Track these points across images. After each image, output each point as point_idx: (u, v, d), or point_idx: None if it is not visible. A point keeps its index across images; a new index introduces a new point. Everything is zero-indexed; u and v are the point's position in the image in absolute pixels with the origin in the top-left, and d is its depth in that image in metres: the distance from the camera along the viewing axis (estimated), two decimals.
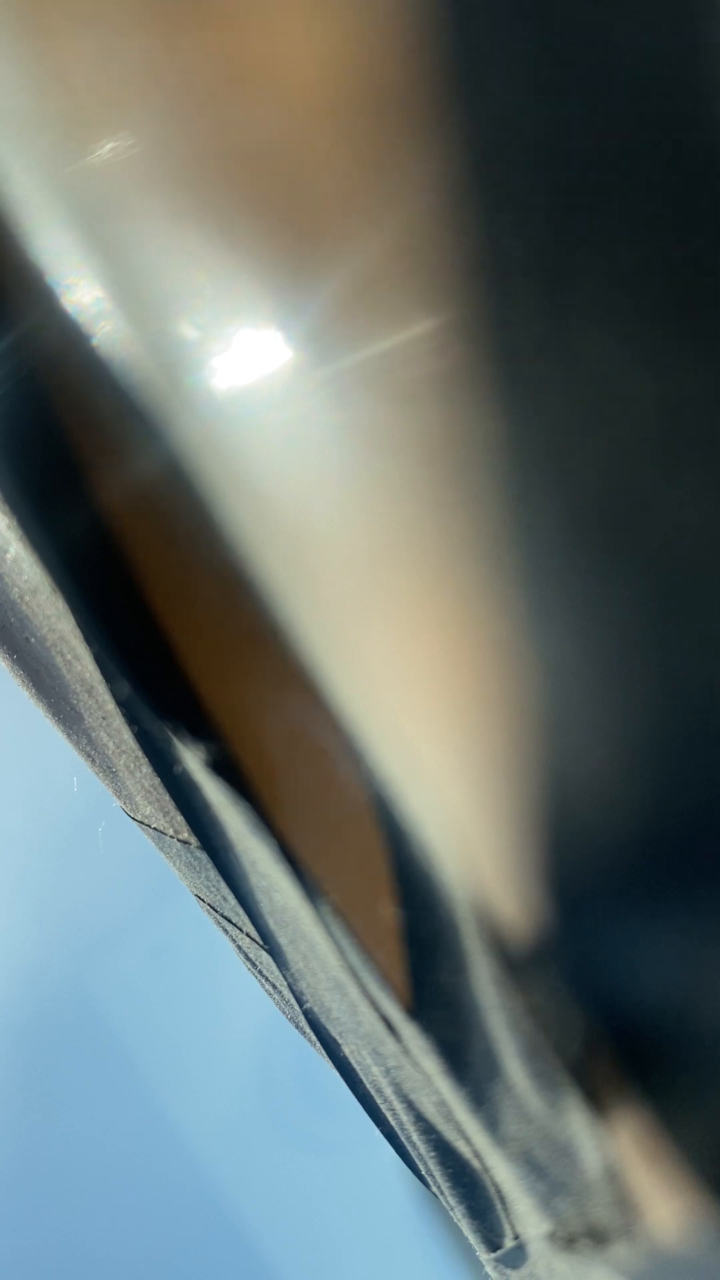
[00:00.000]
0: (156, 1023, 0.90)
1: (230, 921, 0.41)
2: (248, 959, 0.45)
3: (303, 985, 0.38)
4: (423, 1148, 0.39)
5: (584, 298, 0.22)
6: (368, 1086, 0.42)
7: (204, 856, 0.35)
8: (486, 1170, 0.37)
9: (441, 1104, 0.35)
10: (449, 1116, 0.36)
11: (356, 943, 0.31)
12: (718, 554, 0.24)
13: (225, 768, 0.29)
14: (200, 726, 0.29)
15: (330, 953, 0.32)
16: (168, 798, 0.33)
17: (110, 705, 0.31)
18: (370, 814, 0.29)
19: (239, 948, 0.45)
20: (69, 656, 0.31)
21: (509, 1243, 0.40)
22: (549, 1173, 0.34)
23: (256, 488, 0.25)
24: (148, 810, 0.36)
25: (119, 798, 0.38)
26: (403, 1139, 0.42)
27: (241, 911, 0.37)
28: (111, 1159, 0.91)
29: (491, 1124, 0.34)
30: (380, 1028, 0.34)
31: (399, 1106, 0.39)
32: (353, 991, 0.33)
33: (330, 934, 0.32)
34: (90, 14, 0.22)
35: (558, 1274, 0.38)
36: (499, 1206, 0.38)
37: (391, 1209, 0.83)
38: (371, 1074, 0.39)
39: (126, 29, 0.22)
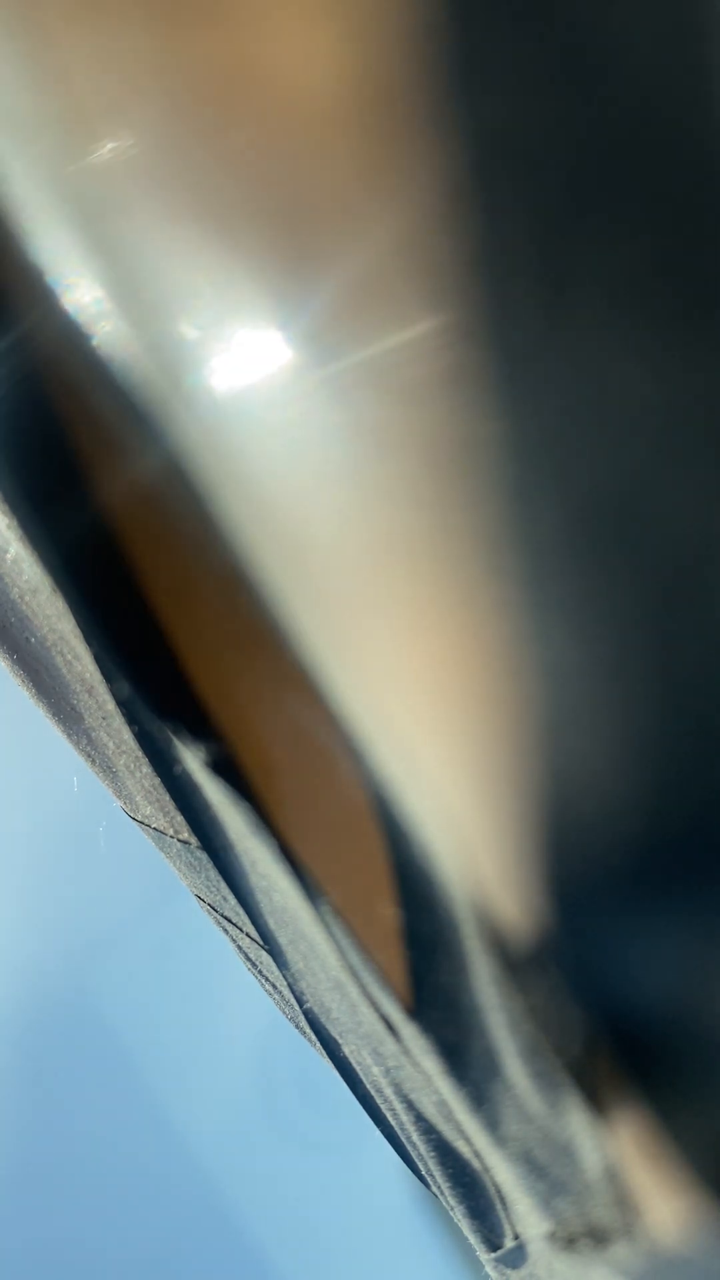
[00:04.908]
0: (156, 1023, 0.90)
1: (230, 921, 0.41)
2: (248, 959, 0.45)
3: (303, 985, 0.38)
4: (423, 1148, 0.39)
5: (584, 297, 0.22)
6: (368, 1086, 0.42)
7: (204, 856, 0.35)
8: (486, 1170, 0.37)
9: (441, 1104, 0.35)
10: (449, 1116, 0.36)
11: (356, 943, 0.31)
12: (718, 554, 0.24)
13: (225, 768, 0.29)
14: (200, 726, 0.29)
15: (330, 953, 0.32)
16: (168, 798, 0.33)
17: (110, 705, 0.31)
18: (370, 814, 0.29)
19: (239, 948, 0.45)
20: (69, 656, 0.31)
21: (509, 1243, 0.40)
22: (549, 1173, 0.34)
23: (256, 487, 0.25)
24: (148, 810, 0.36)
25: (119, 798, 0.38)
26: (403, 1139, 0.42)
27: (241, 911, 0.37)
28: (111, 1159, 0.91)
29: (491, 1124, 0.34)
30: (380, 1028, 0.34)
31: (399, 1106, 0.39)
32: (353, 991, 0.33)
33: (330, 934, 0.32)
34: (90, 14, 0.22)
35: (558, 1274, 0.38)
36: (499, 1206, 0.38)
37: (391, 1209, 0.83)
38: (371, 1074, 0.39)
39: (126, 29, 0.22)
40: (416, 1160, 0.42)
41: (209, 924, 0.45)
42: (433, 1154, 0.39)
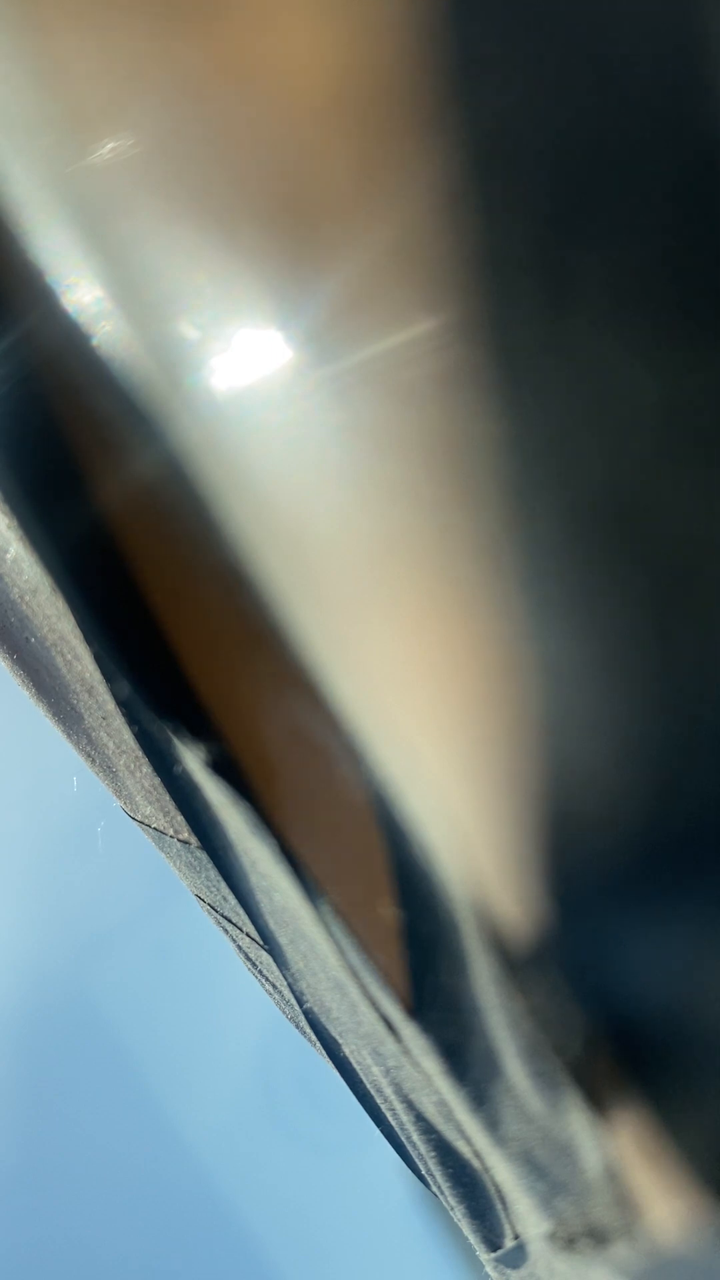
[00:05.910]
0: (156, 1023, 0.90)
1: (230, 921, 0.41)
2: (248, 959, 0.45)
3: (303, 985, 0.38)
4: (423, 1148, 0.39)
5: (584, 297, 0.22)
6: (368, 1086, 0.42)
7: (204, 856, 0.35)
8: (486, 1170, 0.37)
9: (441, 1104, 0.35)
10: (449, 1116, 0.36)
11: (356, 943, 0.31)
12: (718, 554, 0.24)
13: (225, 768, 0.29)
14: (200, 726, 0.29)
15: (330, 953, 0.32)
16: (168, 798, 0.33)
17: (110, 705, 0.31)
18: (370, 814, 0.29)
19: (239, 948, 0.45)
20: (69, 656, 0.31)
21: (509, 1243, 0.40)
22: (549, 1173, 0.34)
23: (256, 487, 0.25)
24: (148, 810, 0.36)
25: (119, 798, 0.38)
26: (403, 1139, 0.42)
27: (241, 911, 0.37)
28: (111, 1159, 0.91)
29: (491, 1124, 0.34)
30: (380, 1028, 0.34)
31: (399, 1106, 0.39)
32: (353, 991, 0.33)
33: (330, 934, 0.32)
34: (91, 13, 0.22)
35: (558, 1274, 0.38)
36: (499, 1206, 0.39)
37: (391, 1209, 0.83)
38: (371, 1074, 0.39)
39: (127, 28, 0.22)
40: (416, 1160, 0.42)
41: (209, 924, 0.45)
42: (433, 1154, 0.39)
